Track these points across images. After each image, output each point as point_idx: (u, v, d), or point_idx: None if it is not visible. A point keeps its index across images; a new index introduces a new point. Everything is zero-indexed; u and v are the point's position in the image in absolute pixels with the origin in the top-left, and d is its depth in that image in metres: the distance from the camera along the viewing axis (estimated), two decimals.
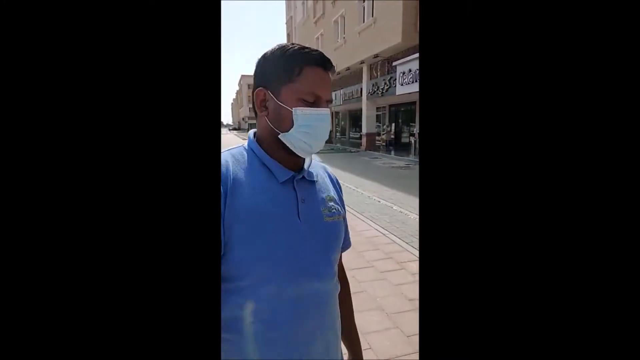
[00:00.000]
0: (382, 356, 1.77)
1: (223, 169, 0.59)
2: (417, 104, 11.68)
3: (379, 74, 12.89)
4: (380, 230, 3.78)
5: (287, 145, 0.61)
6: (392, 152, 12.68)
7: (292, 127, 0.59)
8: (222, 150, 0.62)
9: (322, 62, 0.60)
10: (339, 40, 15.27)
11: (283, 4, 30.27)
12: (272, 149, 0.62)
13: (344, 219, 0.73)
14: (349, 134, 19.82)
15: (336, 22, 15.46)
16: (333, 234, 0.66)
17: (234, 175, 0.59)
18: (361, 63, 13.41)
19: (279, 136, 0.60)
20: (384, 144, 14.48)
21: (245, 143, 0.65)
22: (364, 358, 0.82)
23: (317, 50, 0.61)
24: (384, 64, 12.44)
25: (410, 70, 10.42)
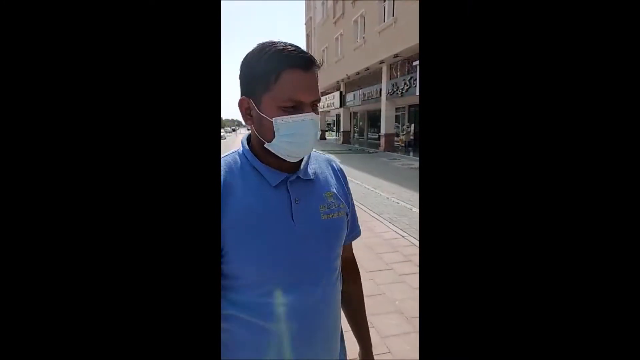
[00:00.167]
0: None
1: None
2: None
3: (398, 74, 12.73)
4: (400, 232, 3.73)
5: (275, 153, 0.60)
6: (411, 153, 12.50)
7: (274, 137, 0.58)
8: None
9: (301, 63, 0.56)
10: (358, 40, 15.20)
11: (303, 5, 30.43)
12: (263, 155, 0.62)
13: (350, 212, 0.72)
14: (367, 134, 19.70)
15: (356, 22, 15.39)
16: (332, 231, 0.65)
17: (226, 182, 0.60)
18: (381, 63, 13.29)
19: (265, 145, 0.60)
20: (402, 144, 14.30)
21: (240, 148, 0.66)
22: (374, 354, 0.81)
23: (296, 49, 0.57)
24: (404, 64, 12.28)
25: None
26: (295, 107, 0.56)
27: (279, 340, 0.62)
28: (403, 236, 3.61)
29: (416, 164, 10.33)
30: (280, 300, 0.61)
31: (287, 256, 0.60)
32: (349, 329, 0.80)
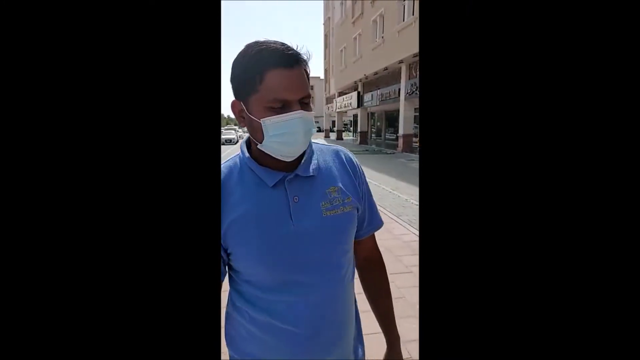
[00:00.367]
0: None
1: None
2: None
3: (417, 73, 12.54)
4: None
5: (268, 153, 0.60)
6: None
7: (264, 138, 0.58)
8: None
9: (284, 61, 0.54)
10: (377, 39, 15.08)
11: (321, 5, 30.50)
12: (261, 156, 0.62)
13: (363, 204, 0.69)
14: (385, 135, 19.51)
15: (375, 21, 15.27)
16: (336, 228, 0.63)
17: (226, 185, 0.61)
18: (400, 63, 13.13)
19: (258, 146, 0.61)
20: None
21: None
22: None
23: (280, 47, 0.55)
24: None
25: None
26: (283, 106, 0.56)
27: (283, 338, 0.62)
28: None
29: None
30: (283, 298, 0.61)
31: (288, 255, 0.60)
32: (375, 329, 0.78)
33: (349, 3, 18.70)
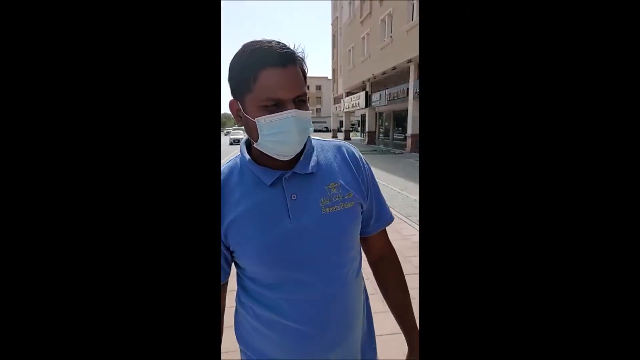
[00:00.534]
0: None
1: None
2: None
3: None
4: None
5: (265, 152, 0.60)
6: None
7: (259, 137, 0.58)
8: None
9: (277, 60, 0.55)
10: (385, 39, 15.01)
11: (329, 5, 30.52)
12: (259, 155, 0.62)
13: (368, 199, 0.69)
14: (393, 135, 19.43)
15: (383, 21, 15.20)
16: (336, 224, 0.62)
17: (226, 185, 0.62)
18: (408, 62, 13.04)
19: (254, 145, 0.62)
20: None
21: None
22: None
23: (274, 46, 0.56)
24: None
25: None
26: (278, 105, 0.56)
27: (286, 334, 0.62)
28: None
29: None
30: (284, 295, 0.62)
31: (287, 253, 0.60)
32: (392, 330, 0.76)
33: (357, 3, 18.66)
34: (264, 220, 0.60)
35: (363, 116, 21.94)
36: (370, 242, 0.75)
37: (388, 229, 0.76)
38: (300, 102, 0.58)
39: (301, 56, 0.59)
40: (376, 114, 19.81)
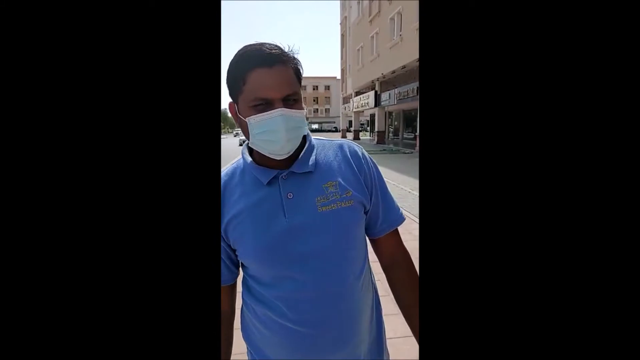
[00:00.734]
0: None
1: None
2: None
3: None
4: None
5: (258, 151, 0.62)
6: None
7: (250, 136, 0.60)
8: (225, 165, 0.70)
9: (263, 61, 0.57)
10: (394, 38, 14.91)
11: (338, 5, 30.49)
12: (259, 156, 0.64)
13: (372, 198, 0.67)
14: (403, 134, 19.30)
15: (392, 19, 15.11)
16: (332, 223, 0.62)
17: (227, 186, 0.65)
18: (418, 60, 12.90)
19: (249, 145, 0.64)
20: None
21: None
22: None
23: (260, 49, 0.58)
24: None
25: None
26: (267, 105, 0.58)
27: (283, 334, 0.62)
28: None
29: None
30: (280, 294, 0.62)
31: (282, 251, 0.60)
32: (404, 333, 0.74)
33: (365, 2, 18.59)
34: (261, 219, 0.61)
35: (372, 116, 21.84)
36: (379, 245, 0.73)
37: (399, 228, 0.74)
38: (291, 101, 0.59)
39: (294, 57, 0.60)
40: (386, 113, 19.70)
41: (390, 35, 15.38)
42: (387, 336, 0.78)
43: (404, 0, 13.59)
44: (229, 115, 0.64)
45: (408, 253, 0.74)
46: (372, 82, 18.67)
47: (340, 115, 30.33)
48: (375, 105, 18.61)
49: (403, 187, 6.35)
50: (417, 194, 5.78)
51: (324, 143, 0.69)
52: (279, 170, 0.63)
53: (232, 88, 0.61)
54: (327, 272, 0.62)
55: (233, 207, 0.63)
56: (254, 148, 0.63)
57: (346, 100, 27.00)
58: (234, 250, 0.65)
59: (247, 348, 0.72)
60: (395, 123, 20.57)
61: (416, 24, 12.49)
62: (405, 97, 15.10)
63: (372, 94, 18.82)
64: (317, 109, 57.94)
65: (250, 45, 0.59)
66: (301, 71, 0.63)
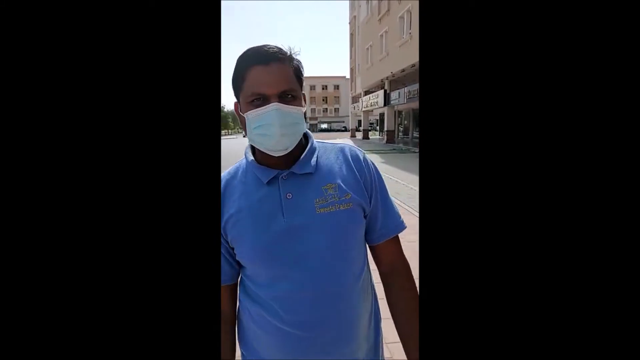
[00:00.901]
0: None
1: None
2: None
3: None
4: None
5: (257, 147, 0.63)
6: None
7: (248, 131, 0.62)
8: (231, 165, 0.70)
9: (260, 58, 0.59)
10: (404, 36, 14.78)
11: (347, 4, 30.39)
12: (261, 155, 0.66)
13: (372, 203, 0.67)
14: (413, 133, 19.12)
15: (402, 18, 14.98)
16: (330, 224, 0.62)
17: (228, 184, 0.66)
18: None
19: (248, 141, 0.65)
20: None
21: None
22: None
23: (258, 48, 0.60)
24: None
25: None
26: (263, 100, 0.60)
27: (278, 337, 0.62)
28: None
29: None
30: (275, 294, 0.62)
31: (278, 250, 0.61)
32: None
33: (375, 1, 18.48)
34: (260, 218, 0.62)
35: (382, 115, 21.70)
36: (379, 251, 0.72)
37: (408, 229, 0.72)
38: (289, 97, 0.60)
39: (294, 57, 0.62)
40: (395, 112, 19.55)
41: (399, 33, 15.26)
42: (387, 341, 0.76)
43: None
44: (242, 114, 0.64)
45: (408, 263, 0.73)
46: (382, 81, 18.56)
47: (350, 114, 30.23)
48: (385, 104, 18.48)
49: (412, 187, 6.29)
50: None
51: (326, 146, 0.70)
52: (280, 170, 0.64)
53: (235, 87, 0.64)
54: (324, 272, 0.62)
55: (233, 206, 0.64)
56: (252, 144, 0.65)
57: (355, 99, 26.90)
58: (232, 248, 0.66)
59: (240, 349, 0.71)
60: (405, 122, 20.38)
61: None
62: (415, 95, 14.95)
63: (381, 93, 18.71)
64: (327, 109, 57.81)
65: (252, 47, 0.62)
66: (302, 71, 0.64)
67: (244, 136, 0.66)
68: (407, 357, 0.71)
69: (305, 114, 0.65)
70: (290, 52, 0.63)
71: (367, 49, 20.42)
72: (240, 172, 0.68)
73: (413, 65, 14.20)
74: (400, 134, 20.54)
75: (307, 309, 0.61)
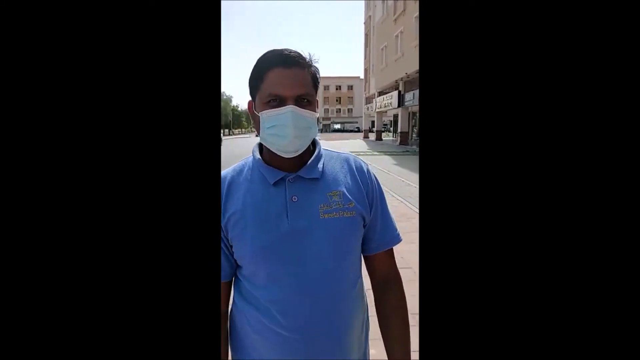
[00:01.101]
0: None
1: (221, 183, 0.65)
2: None
3: None
4: None
5: (267, 147, 0.64)
6: None
7: (261, 130, 0.63)
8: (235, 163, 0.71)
9: (281, 61, 0.60)
10: None
11: (362, 4, 30.29)
12: (269, 156, 0.66)
13: (372, 213, 0.68)
14: None
15: (417, 18, 14.81)
16: (332, 230, 0.63)
17: (232, 182, 0.66)
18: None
19: (260, 141, 0.66)
20: None
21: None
22: None
23: (279, 51, 0.62)
24: None
25: None
26: (280, 102, 0.61)
27: (271, 339, 0.62)
28: None
29: None
30: (273, 296, 0.62)
31: (280, 251, 0.61)
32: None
33: (390, 2, 18.35)
34: (264, 217, 0.62)
35: (395, 116, 21.54)
36: (373, 262, 0.73)
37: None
38: (305, 101, 0.62)
39: (313, 64, 0.64)
40: (409, 113, 19.36)
41: (415, 34, 15.11)
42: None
43: None
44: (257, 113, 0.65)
45: (400, 276, 0.74)
46: (396, 81, 18.41)
47: (363, 115, 30.13)
48: (399, 106, 18.33)
49: None
50: None
51: (332, 154, 0.71)
52: (287, 173, 0.64)
53: (252, 86, 0.65)
54: (324, 276, 0.62)
55: (237, 202, 0.64)
56: (264, 144, 0.65)
57: (369, 100, 26.78)
58: (231, 246, 0.66)
59: (230, 351, 0.71)
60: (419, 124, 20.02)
61: None
62: None
63: (395, 94, 18.56)
64: (340, 109, 57.72)
65: (272, 49, 0.64)
66: (318, 78, 0.66)
67: (257, 135, 0.66)
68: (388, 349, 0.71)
69: (317, 118, 0.66)
70: (310, 58, 0.64)
71: (382, 49, 20.30)
72: (245, 170, 0.68)
73: None
74: (414, 135, 20.33)
75: (306, 313, 0.61)
